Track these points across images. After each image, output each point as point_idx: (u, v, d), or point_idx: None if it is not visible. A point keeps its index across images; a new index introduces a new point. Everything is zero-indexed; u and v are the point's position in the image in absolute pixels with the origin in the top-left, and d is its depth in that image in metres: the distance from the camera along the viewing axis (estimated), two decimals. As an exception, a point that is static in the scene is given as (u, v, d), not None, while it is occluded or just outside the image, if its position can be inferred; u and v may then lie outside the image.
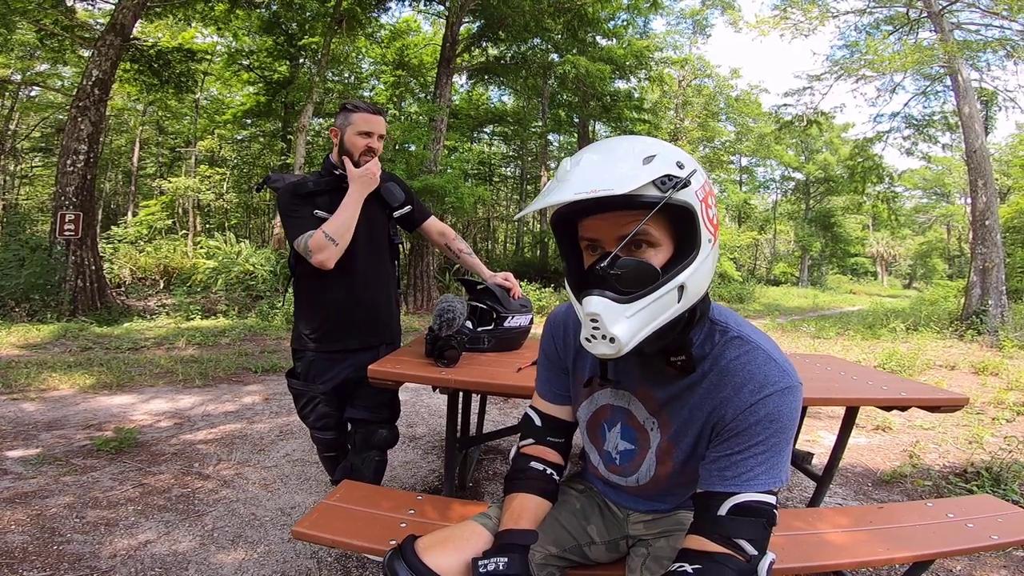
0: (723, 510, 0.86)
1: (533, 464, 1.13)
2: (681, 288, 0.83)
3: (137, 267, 12.30)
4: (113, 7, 8.75)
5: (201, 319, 8.54)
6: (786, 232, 34.95)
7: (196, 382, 4.71)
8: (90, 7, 11.60)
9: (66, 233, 7.98)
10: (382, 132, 1.95)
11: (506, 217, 24.21)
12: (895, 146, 14.09)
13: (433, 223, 2.24)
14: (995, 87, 11.79)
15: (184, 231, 16.09)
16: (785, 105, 14.22)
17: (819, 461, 2.89)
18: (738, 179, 32.71)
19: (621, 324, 0.81)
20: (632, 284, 0.82)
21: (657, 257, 0.85)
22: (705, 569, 0.83)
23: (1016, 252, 15.84)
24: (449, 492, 2.13)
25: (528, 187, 22.55)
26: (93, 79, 8.17)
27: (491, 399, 4.08)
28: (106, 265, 11.42)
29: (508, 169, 24.49)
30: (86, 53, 10.31)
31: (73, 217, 8.01)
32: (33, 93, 16.34)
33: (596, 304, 0.82)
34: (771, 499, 0.87)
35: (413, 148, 10.47)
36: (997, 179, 13.81)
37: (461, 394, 2.22)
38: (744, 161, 32.83)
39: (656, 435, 1.02)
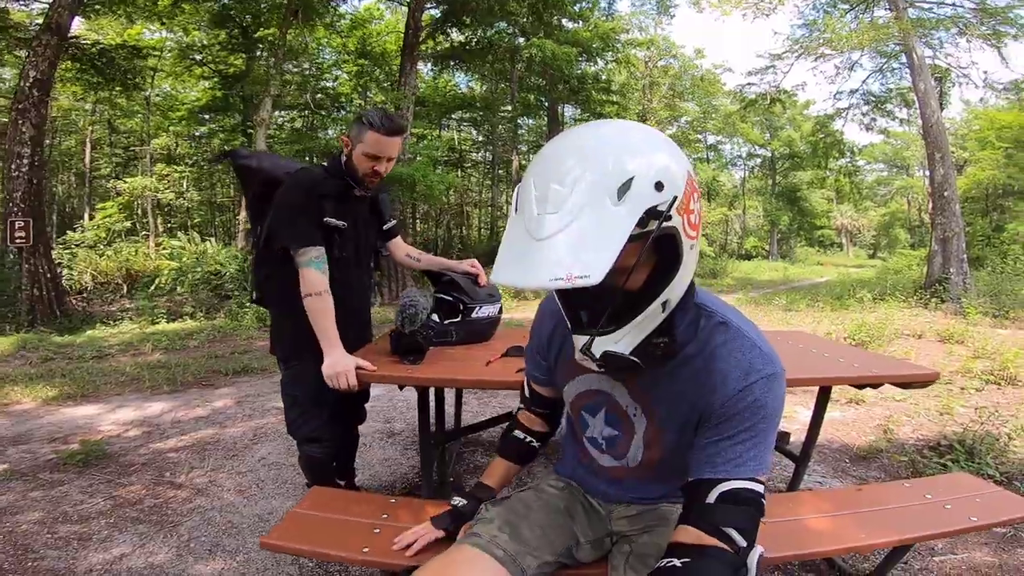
0: (711, 497, 0.85)
1: (516, 433, 1.27)
2: (665, 303, 0.85)
3: (98, 272, 11.86)
4: (48, 6, 8.33)
5: (167, 322, 8.30)
6: (755, 207, 35.57)
7: (164, 388, 4.57)
8: (24, 7, 11.04)
9: (17, 241, 7.65)
10: (393, 155, 1.80)
11: (479, 203, 24.09)
12: (855, 121, 14.40)
13: (399, 241, 2.22)
14: (948, 64, 12.08)
15: (145, 232, 15.56)
16: (749, 84, 14.40)
17: (796, 439, 2.93)
18: (706, 157, 33.09)
19: (610, 350, 0.86)
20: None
21: (637, 278, 0.83)
22: (694, 563, 0.81)
23: (976, 221, 16.49)
24: (428, 491, 2.09)
25: (500, 171, 22.34)
26: (31, 80, 7.82)
27: (469, 389, 4.04)
28: (66, 271, 10.99)
29: (479, 155, 24.29)
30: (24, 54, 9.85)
31: (23, 224, 7.66)
32: (-29, 96, 15.50)
33: (584, 341, 0.86)
34: (759, 487, 0.86)
35: (379, 138, 10.26)
36: (953, 152, 14.23)
37: (432, 390, 2.17)
38: (711, 139, 33.27)
39: (641, 421, 1.00)
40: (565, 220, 0.72)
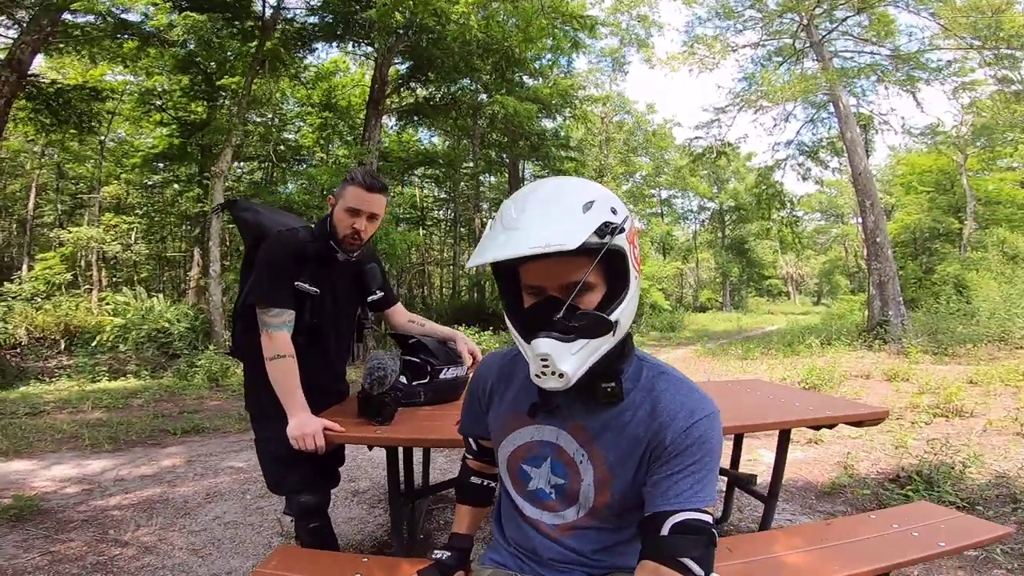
0: (665, 530, 0.89)
1: (472, 479, 1.30)
2: (616, 325, 0.93)
3: (34, 326, 11.17)
4: (11, 42, 8.16)
5: (108, 380, 7.87)
6: (707, 260, 36.93)
7: (105, 446, 4.32)
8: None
9: (-53, 292, 7.17)
10: (375, 211, 1.77)
11: (441, 262, 23.96)
12: (793, 172, 15.24)
13: (400, 308, 2.19)
14: (871, 111, 12.94)
15: (87, 286, 14.82)
16: (696, 138, 15.17)
17: (762, 480, 2.98)
18: (659, 211, 34.42)
19: (568, 361, 0.90)
20: (589, 333, 0.91)
21: (593, 297, 0.94)
22: None
23: (907, 264, 17.37)
24: (399, 548, 2.01)
25: (462, 229, 22.35)
26: (-17, 118, 7.54)
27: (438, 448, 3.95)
28: (-1, 325, 10.33)
29: (441, 212, 24.39)
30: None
31: (-44, 274, 7.21)
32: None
33: (545, 346, 0.90)
34: (708, 518, 0.91)
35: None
36: (882, 198, 15.13)
37: (401, 448, 2.13)
38: (664, 194, 34.69)
39: (588, 467, 1.02)
40: (540, 216, 0.87)
